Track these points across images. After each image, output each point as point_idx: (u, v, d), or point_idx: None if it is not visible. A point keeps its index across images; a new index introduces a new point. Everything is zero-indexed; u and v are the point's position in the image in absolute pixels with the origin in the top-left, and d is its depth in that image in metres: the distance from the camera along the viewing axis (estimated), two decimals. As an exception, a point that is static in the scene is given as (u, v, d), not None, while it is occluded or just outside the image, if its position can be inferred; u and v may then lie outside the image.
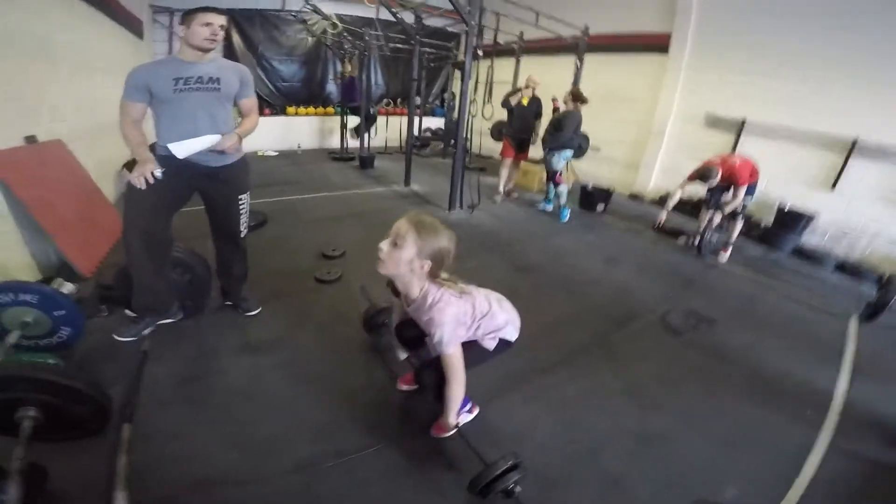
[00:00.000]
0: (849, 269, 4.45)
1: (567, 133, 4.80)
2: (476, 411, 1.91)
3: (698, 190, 4.58)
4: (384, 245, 1.44)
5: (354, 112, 7.53)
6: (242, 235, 2.38)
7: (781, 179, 5.12)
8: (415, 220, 1.43)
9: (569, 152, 5.02)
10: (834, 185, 4.75)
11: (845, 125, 4.60)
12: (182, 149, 1.96)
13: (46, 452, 1.42)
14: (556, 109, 5.05)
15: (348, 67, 7.50)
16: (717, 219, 4.28)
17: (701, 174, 4.17)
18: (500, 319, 1.66)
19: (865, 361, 2.73)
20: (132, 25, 5.43)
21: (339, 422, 1.84)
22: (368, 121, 7.44)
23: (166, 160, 1.97)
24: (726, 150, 5.65)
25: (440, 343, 1.47)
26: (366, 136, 7.26)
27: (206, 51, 1.98)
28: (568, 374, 2.31)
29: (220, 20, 1.95)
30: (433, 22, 5.36)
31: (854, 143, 4.56)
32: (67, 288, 2.30)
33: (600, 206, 5.60)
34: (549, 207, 5.37)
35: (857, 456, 1.94)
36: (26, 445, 1.30)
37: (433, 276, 1.49)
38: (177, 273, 2.28)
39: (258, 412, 1.85)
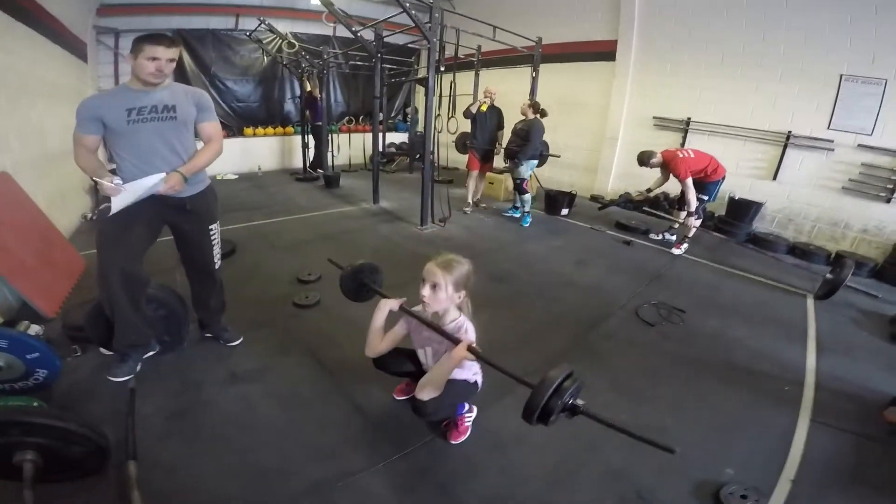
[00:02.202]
0: (799, 251, 4.80)
1: (535, 144, 4.99)
2: (475, 410, 1.97)
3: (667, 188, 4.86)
4: (426, 292, 1.65)
5: (317, 132, 7.45)
6: (217, 267, 2.33)
7: (729, 172, 5.44)
8: (442, 263, 1.65)
9: (534, 161, 5.21)
10: (775, 175, 5.14)
11: (780, 120, 5.04)
12: (120, 202, 1.83)
13: (49, 496, 1.38)
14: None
15: (307, 86, 7.43)
16: (682, 216, 4.54)
17: (640, 158, 4.50)
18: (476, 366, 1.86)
19: (827, 338, 2.95)
20: (75, 48, 5.18)
21: (342, 442, 1.83)
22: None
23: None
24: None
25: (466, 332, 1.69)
26: (329, 154, 7.21)
27: (153, 84, 1.88)
28: (555, 376, 2.37)
29: (169, 53, 1.82)
30: (394, 39, 5.41)
31: (788, 136, 4.97)
32: (34, 330, 2.27)
33: (564, 210, 5.80)
34: (517, 214, 5.51)
35: (841, 427, 2.08)
36: (32, 489, 1.28)
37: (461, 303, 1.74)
38: (150, 308, 2.19)
39: (256, 440, 1.81)
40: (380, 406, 2.07)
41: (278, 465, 1.69)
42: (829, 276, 3.61)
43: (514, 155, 5.08)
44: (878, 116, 4.40)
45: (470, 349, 1.56)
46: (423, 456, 1.78)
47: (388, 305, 1.80)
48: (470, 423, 1.91)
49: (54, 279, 2.90)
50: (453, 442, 1.85)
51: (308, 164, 7.63)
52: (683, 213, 4.53)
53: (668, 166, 4.36)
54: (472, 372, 1.82)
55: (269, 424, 1.91)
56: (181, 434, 1.82)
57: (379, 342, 1.84)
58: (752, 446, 1.94)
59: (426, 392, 1.62)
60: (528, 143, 4.95)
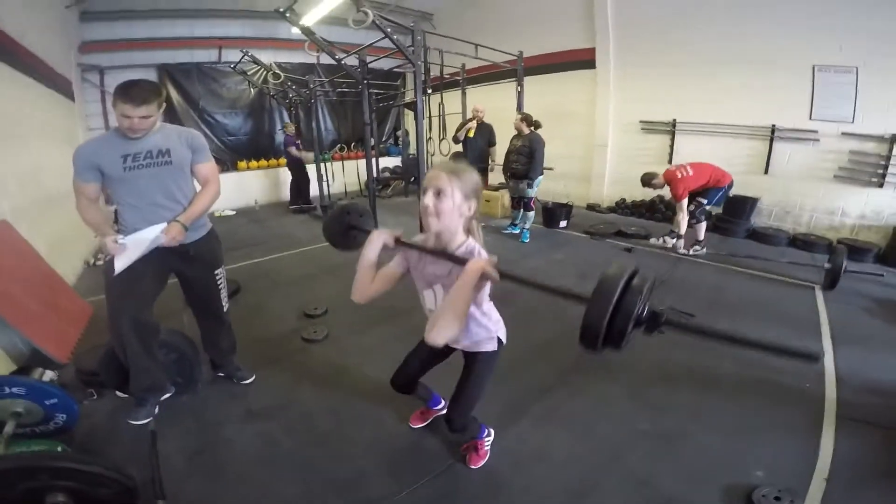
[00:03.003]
0: (800, 242, 4.83)
1: (541, 159, 4.95)
2: (492, 433, 1.93)
3: (647, 191, 4.90)
4: (429, 199, 1.35)
5: (293, 165, 7.28)
6: (225, 309, 2.33)
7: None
8: (447, 167, 1.38)
9: (541, 177, 5.12)
10: (766, 169, 5.20)
11: (764, 114, 5.13)
12: (124, 261, 1.83)
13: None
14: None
15: (290, 128, 7.34)
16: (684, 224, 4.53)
17: (643, 180, 4.55)
18: (497, 314, 1.65)
19: (841, 329, 2.94)
20: (61, 87, 5.17)
21: (362, 472, 1.82)
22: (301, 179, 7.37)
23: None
24: (664, 153, 6.12)
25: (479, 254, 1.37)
26: (324, 184, 7.25)
27: (134, 138, 1.85)
28: (569, 391, 2.37)
29: (139, 112, 1.74)
30: (379, 64, 5.50)
31: (773, 130, 5.05)
32: (48, 376, 2.31)
33: (563, 222, 5.82)
34: (517, 231, 5.43)
35: (868, 421, 2.05)
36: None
37: (470, 224, 1.45)
38: (161, 353, 2.19)
39: (277, 475, 1.81)
40: (397, 435, 2.06)
41: (300, 499, 1.69)
42: (826, 265, 3.63)
43: (524, 175, 4.98)
44: (856, 103, 4.49)
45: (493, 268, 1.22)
46: (444, 482, 1.78)
47: (381, 238, 1.50)
48: (489, 448, 1.89)
49: (63, 325, 2.91)
50: (473, 467, 1.83)
51: (290, 201, 7.51)
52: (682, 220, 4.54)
53: (669, 186, 4.38)
54: (492, 328, 1.59)
55: (290, 459, 1.91)
56: (204, 472, 1.83)
57: (369, 282, 1.53)
58: (779, 447, 1.92)
59: (440, 328, 1.22)
60: (534, 160, 4.90)
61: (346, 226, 1.83)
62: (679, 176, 4.28)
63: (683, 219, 4.39)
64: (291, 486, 1.75)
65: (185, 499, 1.68)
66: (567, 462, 1.85)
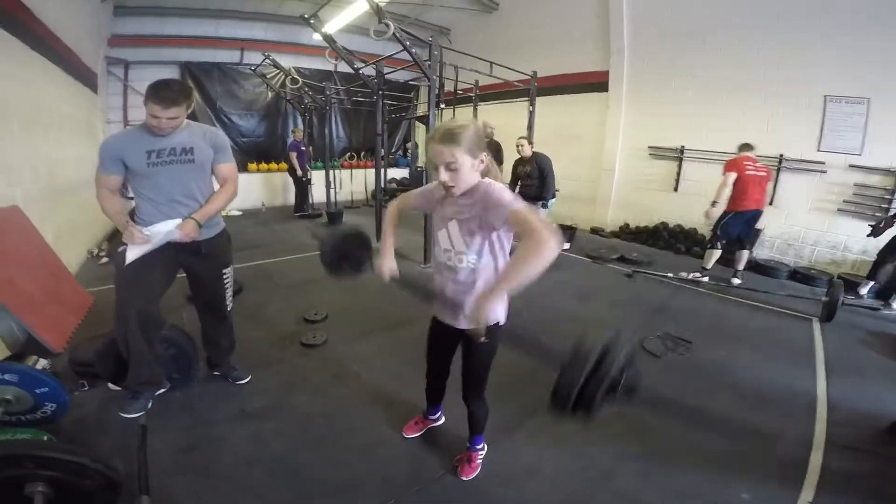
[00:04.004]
0: (801, 276, 4.82)
1: (552, 179, 4.89)
2: (486, 447, 1.95)
3: (652, 217, 4.88)
4: (444, 176, 1.37)
5: (293, 174, 7.38)
6: (229, 308, 2.35)
7: (725, 198, 5.57)
8: (443, 136, 1.36)
9: (553, 199, 5.02)
10: (771, 200, 5.21)
11: (772, 144, 5.10)
12: (137, 252, 1.86)
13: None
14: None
15: (299, 133, 7.43)
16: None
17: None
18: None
19: (836, 360, 2.97)
20: (87, 78, 5.25)
21: (352, 480, 1.82)
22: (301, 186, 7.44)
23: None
24: (671, 180, 6.16)
25: (510, 203, 1.31)
26: (331, 191, 7.32)
27: (161, 135, 1.91)
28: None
29: (168, 113, 1.81)
30: (395, 76, 5.59)
31: (781, 160, 5.07)
32: (41, 364, 2.30)
33: (566, 245, 5.84)
34: None
35: (856, 448, 2.08)
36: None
37: (488, 167, 1.45)
38: (161, 348, 2.21)
39: (268, 478, 1.80)
40: (390, 444, 2.05)
41: (292, 503, 1.68)
42: (824, 298, 3.66)
43: (536, 197, 4.84)
44: (865, 135, 4.51)
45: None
46: (435, 492, 1.78)
47: (387, 273, 1.69)
48: (481, 461, 1.89)
49: (61, 314, 2.92)
50: (464, 478, 1.83)
51: (295, 207, 7.61)
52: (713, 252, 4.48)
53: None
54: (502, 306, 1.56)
55: (281, 461, 1.90)
56: (193, 470, 1.82)
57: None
58: (766, 471, 1.93)
59: (491, 301, 1.28)
60: (545, 181, 4.83)
61: (342, 255, 1.88)
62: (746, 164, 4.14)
63: (721, 188, 4.18)
64: (281, 490, 1.74)
65: (171, 496, 1.66)
66: (558, 478, 1.85)
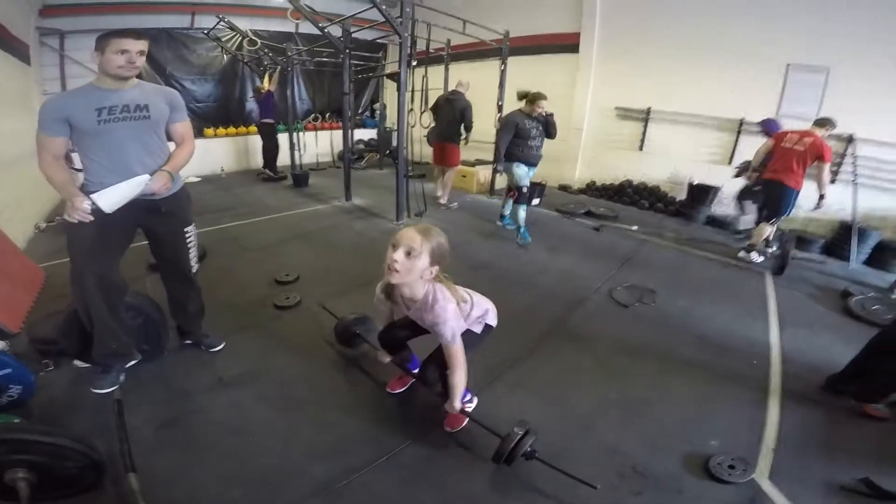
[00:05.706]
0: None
1: (504, 138, 4.24)
2: (475, 400, 2.01)
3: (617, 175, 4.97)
4: (399, 256, 1.47)
5: (265, 130, 7.04)
6: (194, 271, 2.26)
7: (688, 159, 5.77)
8: (422, 230, 1.51)
9: (525, 167, 4.32)
10: (730, 160, 5.42)
11: (735, 107, 5.30)
12: (107, 201, 1.72)
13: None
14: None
15: (265, 84, 7.01)
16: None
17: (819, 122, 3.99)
18: (482, 307, 1.82)
19: (787, 313, 3.16)
20: (16, 50, 4.85)
21: (341, 439, 1.83)
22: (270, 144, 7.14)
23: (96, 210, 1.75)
24: (636, 140, 6.29)
25: (452, 338, 1.60)
26: (296, 153, 7.05)
27: (124, 79, 1.82)
28: (539, 360, 2.46)
29: (138, 45, 1.77)
30: (362, 34, 5.33)
31: (741, 123, 5.25)
32: None
33: (536, 200, 5.92)
34: (511, 225, 4.69)
35: (810, 398, 2.23)
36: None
37: (437, 276, 1.60)
38: (128, 317, 2.12)
39: (253, 445, 1.79)
40: (375, 401, 2.08)
41: (280, 468, 1.68)
42: (775, 250, 3.86)
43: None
44: (822, 104, 4.70)
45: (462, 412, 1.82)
46: (423, 448, 1.81)
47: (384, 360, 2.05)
48: (468, 409, 1.95)
49: (14, 293, 2.74)
50: (450, 430, 1.87)
51: (262, 166, 7.29)
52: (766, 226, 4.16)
53: (819, 153, 3.84)
54: (477, 317, 1.79)
55: (265, 428, 1.89)
56: (175, 444, 1.77)
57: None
58: (731, 418, 2.06)
59: (455, 398, 1.76)
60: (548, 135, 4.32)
61: (351, 334, 2.36)
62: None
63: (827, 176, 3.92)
64: (268, 457, 1.72)
65: (156, 472, 1.60)
66: (540, 428, 1.88)
